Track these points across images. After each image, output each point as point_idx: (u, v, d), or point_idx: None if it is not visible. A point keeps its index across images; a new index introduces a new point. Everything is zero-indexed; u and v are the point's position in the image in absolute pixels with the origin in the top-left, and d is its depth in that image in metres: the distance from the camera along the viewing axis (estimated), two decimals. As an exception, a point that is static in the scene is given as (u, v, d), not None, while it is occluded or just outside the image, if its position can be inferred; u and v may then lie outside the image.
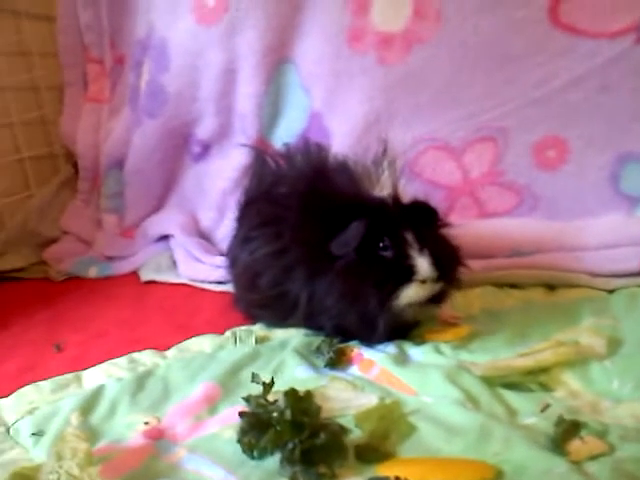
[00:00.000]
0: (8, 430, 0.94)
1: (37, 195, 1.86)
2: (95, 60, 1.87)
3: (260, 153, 1.29)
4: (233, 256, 1.23)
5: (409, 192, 1.09)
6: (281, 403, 0.81)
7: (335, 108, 1.54)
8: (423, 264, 1.00)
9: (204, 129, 1.64)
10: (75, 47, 1.87)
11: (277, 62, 1.56)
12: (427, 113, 1.48)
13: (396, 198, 1.06)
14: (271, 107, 1.58)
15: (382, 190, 1.06)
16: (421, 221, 1.05)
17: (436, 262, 1.01)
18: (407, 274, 1.01)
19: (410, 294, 1.01)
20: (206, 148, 1.66)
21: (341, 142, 1.48)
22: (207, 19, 1.56)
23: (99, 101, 1.87)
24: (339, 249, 1.03)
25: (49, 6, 1.93)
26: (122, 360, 1.09)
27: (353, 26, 1.49)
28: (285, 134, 1.57)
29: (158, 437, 0.86)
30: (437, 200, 1.29)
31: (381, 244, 1.02)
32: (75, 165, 1.93)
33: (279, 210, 1.13)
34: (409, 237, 1.02)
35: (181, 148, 1.69)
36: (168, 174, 1.72)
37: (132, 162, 1.71)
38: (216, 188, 1.62)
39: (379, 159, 1.09)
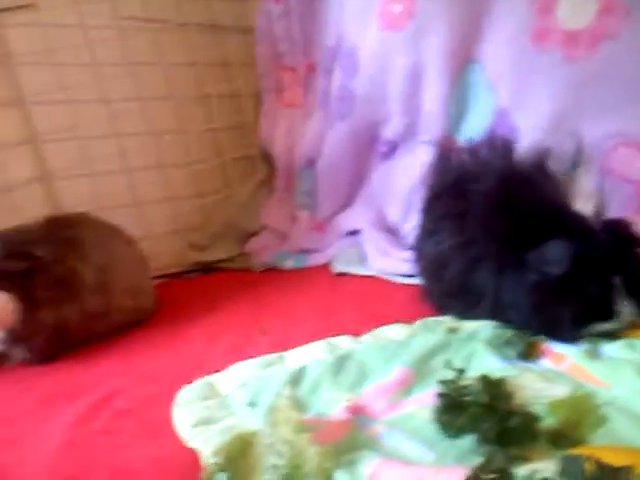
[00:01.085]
0: (224, 400, 1.07)
1: (238, 193, 2.04)
2: (289, 68, 2.02)
3: (444, 149, 1.34)
4: (419, 248, 1.29)
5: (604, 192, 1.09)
6: (474, 387, 0.86)
7: (521, 105, 1.55)
8: (626, 311, 1.01)
9: (391, 129, 1.72)
10: (270, 56, 2.03)
11: (462, 63, 1.61)
12: (616, 109, 1.45)
13: (599, 214, 1.05)
14: (457, 106, 1.63)
15: (584, 200, 1.07)
16: (621, 244, 1.04)
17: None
18: (607, 314, 1.02)
19: (606, 327, 1.03)
20: (393, 147, 1.74)
21: (528, 139, 1.49)
22: (394, 25, 1.64)
23: (293, 106, 2.01)
24: (541, 265, 1.04)
25: (248, 19, 2.10)
26: (321, 343, 1.19)
27: (538, 25, 1.50)
28: (471, 131, 1.60)
29: (358, 412, 0.94)
30: (626, 197, 1.27)
31: (586, 275, 1.03)
32: (271, 165, 2.09)
33: (465, 204, 1.17)
34: (616, 281, 1.02)
35: (369, 148, 1.78)
36: (357, 172, 1.82)
37: (324, 162, 1.83)
38: (402, 185, 1.69)
39: (575, 158, 1.10)
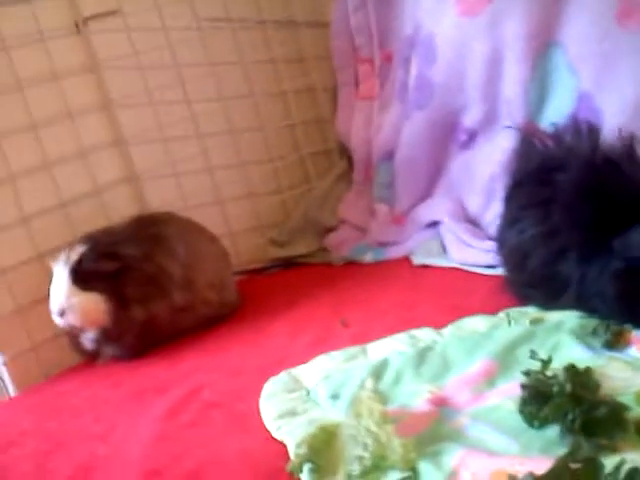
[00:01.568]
0: (308, 393, 1.09)
1: (316, 187, 2.05)
2: (365, 60, 2.01)
3: (527, 135, 1.31)
4: (501, 238, 1.27)
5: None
6: (560, 378, 0.84)
7: (605, 88, 1.50)
8: None
9: (470, 117, 1.69)
10: (346, 49, 2.03)
11: (543, 46, 1.57)
12: None
13: None
14: (538, 90, 1.59)
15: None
16: None
17: None
18: None
19: None
20: (472, 135, 1.71)
21: (612, 122, 1.44)
22: (471, 11, 1.61)
23: (370, 98, 2.01)
24: (627, 251, 1.02)
25: (323, 14, 2.11)
26: (403, 336, 1.19)
27: (622, 4, 1.44)
28: (553, 116, 1.56)
29: (441, 404, 0.94)
30: None
31: None
32: (349, 159, 2.10)
33: (549, 191, 1.14)
34: None
35: (448, 137, 1.76)
36: (436, 163, 1.80)
37: (402, 153, 1.82)
38: (483, 174, 1.66)
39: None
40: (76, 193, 1.62)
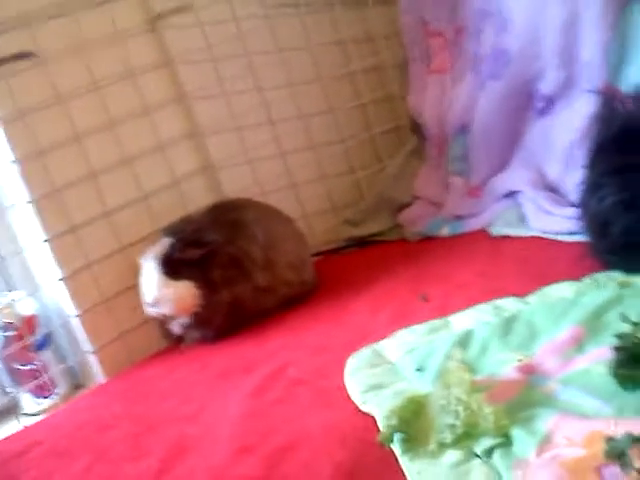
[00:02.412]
0: (393, 366, 1.09)
1: (389, 166, 2.04)
2: (436, 34, 1.98)
3: (607, 98, 1.27)
4: (584, 204, 1.24)
5: None
6: (654, 340, 0.82)
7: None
8: None
9: (548, 84, 1.65)
10: (417, 24, 2.01)
11: (622, 5, 1.50)
12: None
13: None
14: (618, 52, 1.53)
15: None
16: None
17: None
18: None
19: None
20: (550, 102, 1.66)
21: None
22: (545, -25, 1.57)
23: (442, 72, 1.97)
24: None
25: (390, -10, 2.09)
26: (486, 306, 1.17)
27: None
28: (634, 78, 1.50)
29: (530, 372, 0.92)
30: None
31: None
32: (421, 135, 2.07)
33: (630, 158, 1.10)
34: None
35: (524, 106, 1.72)
36: (512, 132, 1.76)
37: (477, 125, 1.79)
38: (562, 141, 1.61)
39: None
40: (156, 185, 1.67)
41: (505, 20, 1.66)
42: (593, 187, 1.17)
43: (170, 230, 1.48)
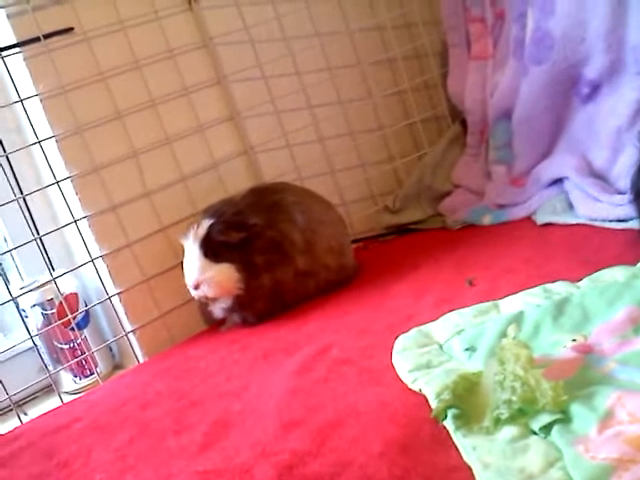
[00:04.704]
0: (441, 347, 1.07)
1: (429, 154, 2.02)
2: (477, 19, 1.95)
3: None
4: (638, 185, 1.21)
5: None
6: None
7: None
8: None
9: (593, 68, 1.61)
10: (457, 10, 1.99)
11: (672, -15, 1.47)
12: None
13: None
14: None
15: None
16: None
17: None
18: None
19: None
20: (595, 88, 1.63)
21: None
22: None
23: (483, 58, 1.95)
24: None
25: (430, -24, 2.07)
26: (536, 290, 1.15)
27: None
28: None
29: (587, 352, 0.90)
30: None
31: None
32: (461, 122, 2.05)
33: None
34: None
35: (569, 91, 1.68)
36: (556, 119, 1.72)
37: (520, 111, 1.76)
38: (609, 127, 1.58)
39: None
40: (195, 167, 1.67)
41: (550, 3, 1.63)
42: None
43: (211, 211, 1.47)
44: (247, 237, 1.43)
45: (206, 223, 1.43)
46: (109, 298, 1.52)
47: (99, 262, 1.51)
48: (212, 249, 1.42)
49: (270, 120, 1.81)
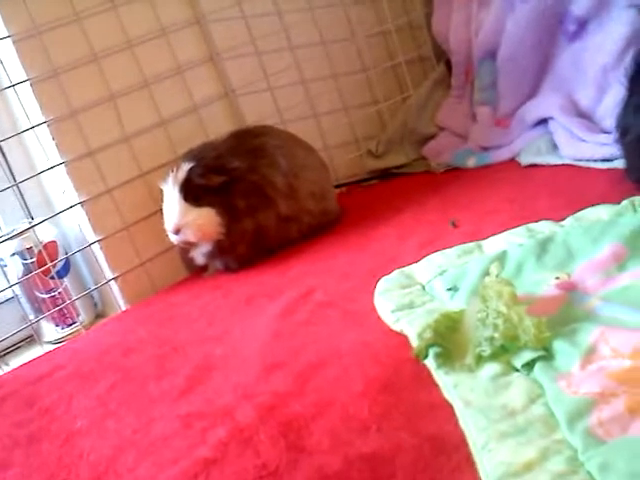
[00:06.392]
0: (424, 288, 1.06)
1: (413, 96, 1.98)
2: (461, -44, 1.89)
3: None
4: (624, 124, 1.19)
5: None
6: None
7: None
8: None
9: (580, 4, 1.57)
10: (441, -53, 1.93)
11: None
12: None
13: None
14: (656, -31, 1.45)
15: None
16: None
17: None
18: None
19: None
20: (582, 25, 1.59)
21: None
22: None
23: (469, -4, 1.89)
24: None
25: None
26: (519, 229, 1.14)
27: None
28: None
29: (570, 289, 0.90)
30: None
31: None
32: (446, 64, 2.01)
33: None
34: None
35: (555, 29, 1.65)
36: (542, 58, 1.69)
37: (505, 50, 1.72)
38: (595, 65, 1.55)
39: None
40: (174, 111, 1.63)
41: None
42: (638, 105, 1.12)
43: (190, 155, 1.44)
44: (228, 181, 1.41)
45: (186, 167, 1.40)
46: (89, 245, 1.49)
47: (78, 209, 1.48)
48: (192, 193, 1.40)
49: (251, 62, 1.76)
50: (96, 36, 1.51)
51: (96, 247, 1.50)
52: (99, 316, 1.63)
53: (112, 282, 1.52)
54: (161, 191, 1.44)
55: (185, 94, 1.65)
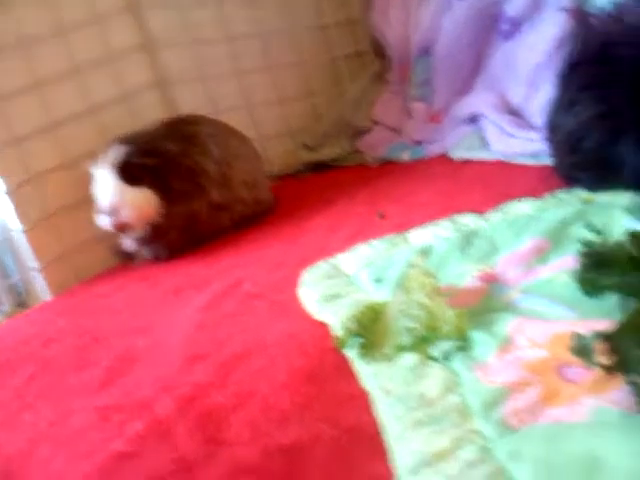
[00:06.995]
0: (349, 279, 1.06)
1: (349, 90, 1.98)
2: (399, -48, 1.90)
3: (583, 16, 1.24)
4: (554, 122, 1.21)
5: None
6: (620, 245, 0.80)
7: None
8: None
9: (514, 6, 1.60)
10: (379, -59, 1.92)
11: None
12: None
13: None
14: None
15: None
16: None
17: None
18: None
19: None
20: (516, 25, 1.62)
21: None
22: None
23: (408, -8, 1.90)
24: None
25: None
26: (445, 222, 1.15)
27: None
28: (601, 1, 1.46)
29: (491, 281, 0.91)
30: None
31: None
32: (383, 59, 2.01)
33: (610, 72, 1.09)
34: None
35: (490, 28, 1.67)
36: (476, 56, 1.71)
37: (441, 47, 1.74)
38: (528, 63, 1.57)
39: None
40: (105, 98, 1.58)
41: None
42: (569, 103, 1.15)
43: (124, 139, 1.41)
44: (162, 163, 1.38)
45: (119, 148, 1.37)
46: (12, 234, 1.44)
47: (2, 197, 1.43)
48: (128, 172, 1.36)
49: (186, 50, 1.73)
50: (25, 18, 1.45)
51: (20, 236, 1.45)
52: (23, 305, 1.58)
53: (36, 272, 1.47)
54: (91, 176, 1.40)
55: (117, 82, 1.60)
